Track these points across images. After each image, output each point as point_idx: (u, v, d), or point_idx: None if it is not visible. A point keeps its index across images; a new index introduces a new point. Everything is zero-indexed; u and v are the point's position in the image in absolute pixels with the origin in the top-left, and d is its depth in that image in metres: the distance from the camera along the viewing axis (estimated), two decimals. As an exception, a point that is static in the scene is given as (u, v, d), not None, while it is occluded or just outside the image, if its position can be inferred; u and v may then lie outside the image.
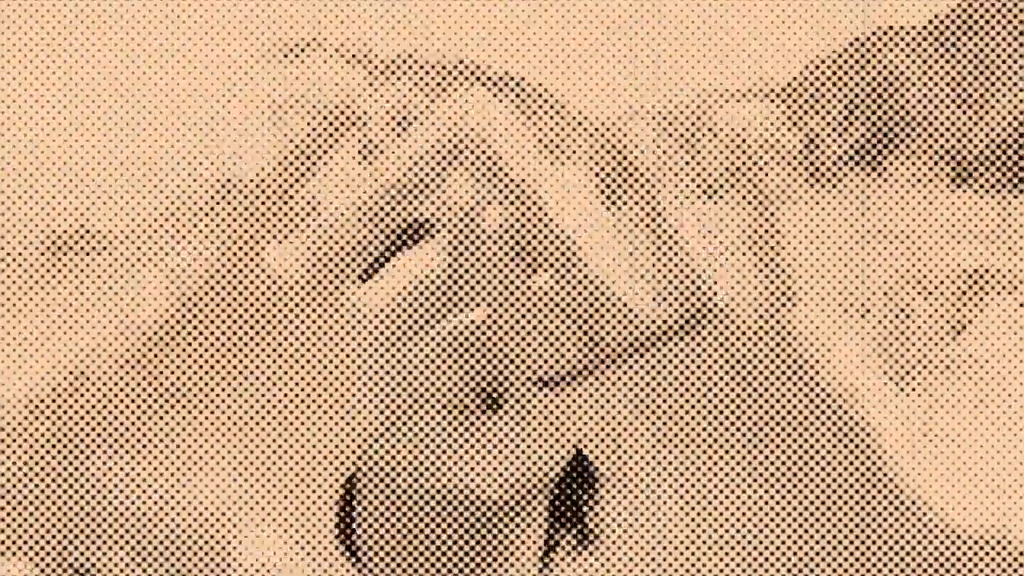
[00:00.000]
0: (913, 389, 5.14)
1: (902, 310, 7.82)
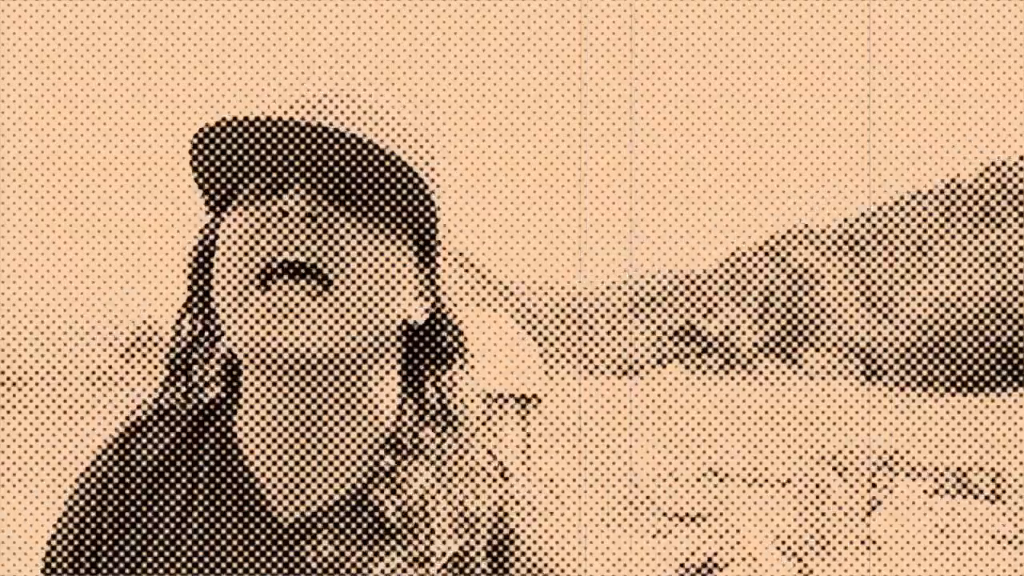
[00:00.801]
0: (828, 564, 5.92)
1: (817, 485, 9.50)
